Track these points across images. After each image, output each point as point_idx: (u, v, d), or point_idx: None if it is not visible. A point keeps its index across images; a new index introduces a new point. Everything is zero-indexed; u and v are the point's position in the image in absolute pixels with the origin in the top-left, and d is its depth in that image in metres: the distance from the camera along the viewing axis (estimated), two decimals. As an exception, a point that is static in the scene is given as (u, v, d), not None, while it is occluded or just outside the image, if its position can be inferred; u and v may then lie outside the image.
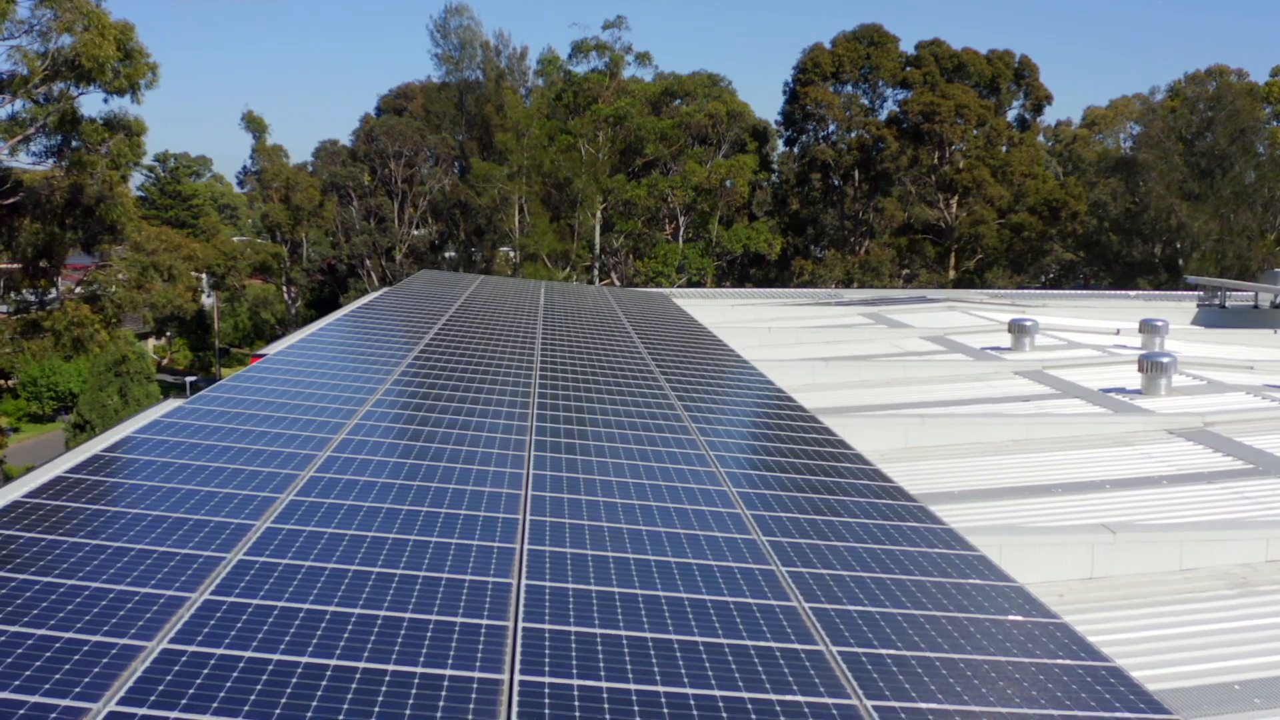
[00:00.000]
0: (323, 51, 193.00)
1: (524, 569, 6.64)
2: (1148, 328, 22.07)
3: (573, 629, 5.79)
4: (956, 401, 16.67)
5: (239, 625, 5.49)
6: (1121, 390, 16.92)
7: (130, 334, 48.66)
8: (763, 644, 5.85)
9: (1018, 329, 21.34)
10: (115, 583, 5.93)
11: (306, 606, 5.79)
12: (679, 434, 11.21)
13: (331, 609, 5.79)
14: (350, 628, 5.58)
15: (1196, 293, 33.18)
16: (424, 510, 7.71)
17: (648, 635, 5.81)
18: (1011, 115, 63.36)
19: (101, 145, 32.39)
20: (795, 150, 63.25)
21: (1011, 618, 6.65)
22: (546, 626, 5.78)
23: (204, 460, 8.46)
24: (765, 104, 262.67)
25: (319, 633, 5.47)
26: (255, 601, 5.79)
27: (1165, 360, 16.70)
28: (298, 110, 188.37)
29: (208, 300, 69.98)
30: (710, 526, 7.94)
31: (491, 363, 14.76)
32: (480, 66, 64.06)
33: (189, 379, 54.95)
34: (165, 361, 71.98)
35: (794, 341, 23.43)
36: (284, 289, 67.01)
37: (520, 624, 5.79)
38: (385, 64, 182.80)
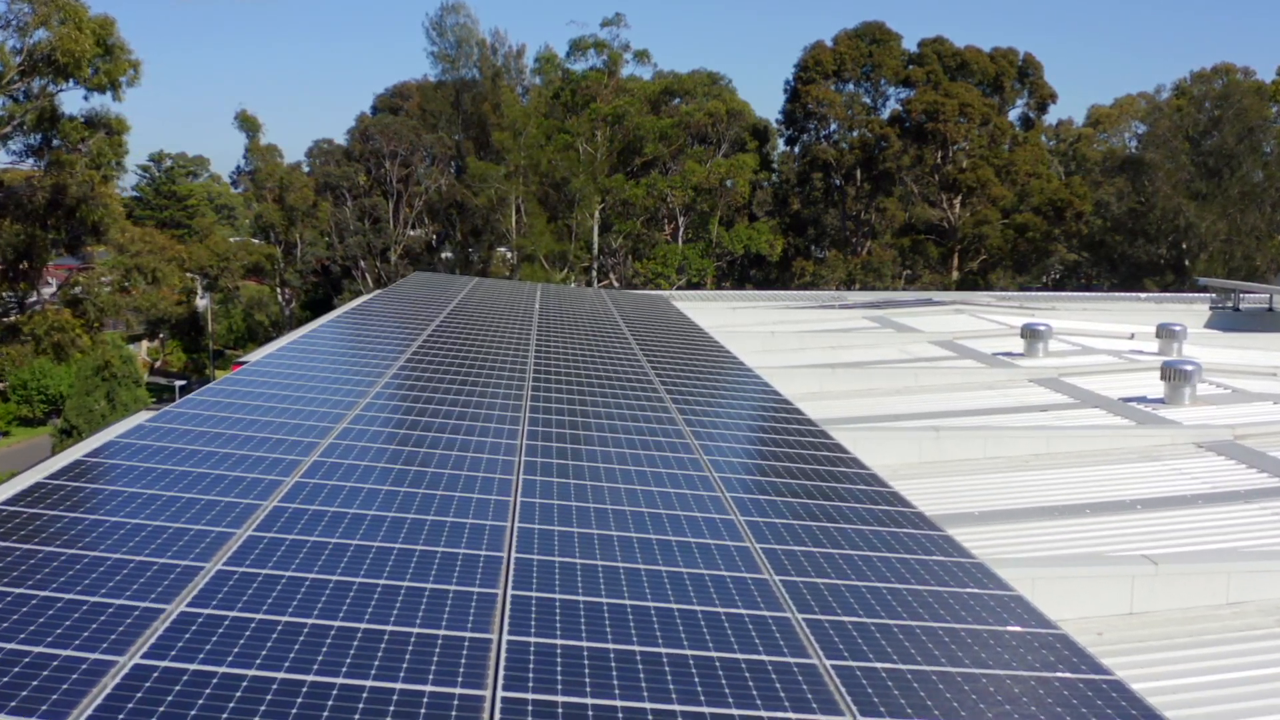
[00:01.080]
0: (319, 50, 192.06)
1: (506, 621, 5.85)
2: (1165, 332, 21.27)
3: (560, 699, 5.00)
4: (970, 411, 15.87)
5: (171, 695, 4.70)
6: (1143, 399, 16.13)
7: (119, 337, 47.85)
8: (780, 715, 5.06)
9: (1031, 334, 20.54)
10: (34, 643, 5.14)
11: (251, 673, 5.00)
12: (680, 453, 10.42)
13: (281, 675, 5.00)
14: (300, 699, 4.79)
15: (1208, 295, 32.35)
16: (397, 547, 6.92)
17: (647, 706, 5.01)
18: (1015, 114, 62.67)
19: (82, 144, 31.47)
20: (796, 150, 62.47)
21: (1059, 674, 5.87)
22: (529, 696, 5.00)
23: (158, 488, 7.67)
24: (766, 103, 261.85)
25: (263, 708, 4.68)
26: (192, 667, 5.00)
27: (1189, 368, 15.90)
28: (294, 110, 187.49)
29: (202, 302, 69.12)
30: (717, 564, 7.14)
31: (481, 374, 13.97)
32: (477, 65, 63.18)
33: (178, 382, 54.16)
34: (158, 364, 71.13)
35: (798, 346, 22.60)
36: (278, 290, 66.18)
37: (499, 691, 5.00)
38: (381, 63, 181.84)
